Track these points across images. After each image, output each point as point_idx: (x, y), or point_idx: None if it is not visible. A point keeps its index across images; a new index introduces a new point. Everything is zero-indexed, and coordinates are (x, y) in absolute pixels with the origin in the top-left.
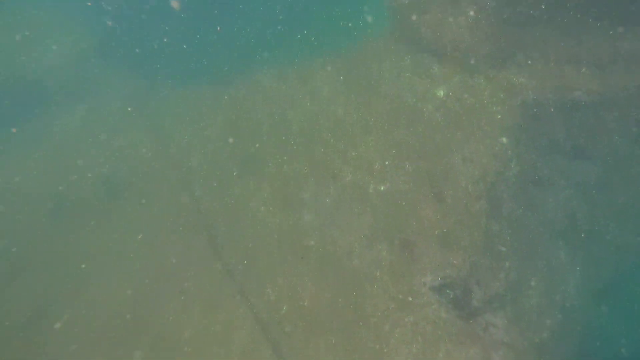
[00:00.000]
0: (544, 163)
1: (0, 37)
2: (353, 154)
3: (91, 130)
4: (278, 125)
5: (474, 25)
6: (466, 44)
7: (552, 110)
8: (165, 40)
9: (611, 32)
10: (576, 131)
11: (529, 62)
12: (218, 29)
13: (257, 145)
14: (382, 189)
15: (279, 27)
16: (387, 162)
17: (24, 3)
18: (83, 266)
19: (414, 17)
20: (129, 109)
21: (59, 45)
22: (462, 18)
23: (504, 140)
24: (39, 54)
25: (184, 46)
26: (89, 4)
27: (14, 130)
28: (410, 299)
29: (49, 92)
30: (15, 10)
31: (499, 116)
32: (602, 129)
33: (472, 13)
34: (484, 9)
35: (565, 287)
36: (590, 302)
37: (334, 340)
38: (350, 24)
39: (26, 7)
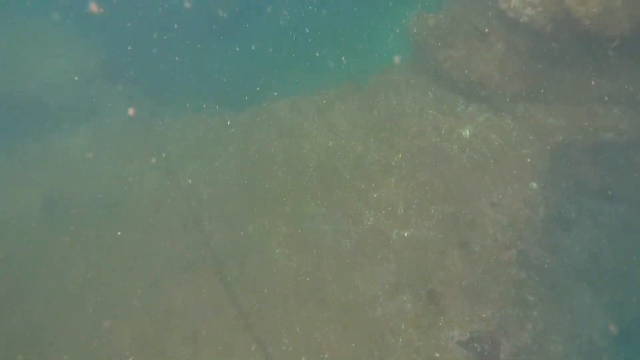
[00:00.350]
0: (570, 204)
1: (3, 53)
2: (374, 195)
3: (94, 154)
4: (294, 159)
5: (502, 62)
6: (494, 81)
7: (580, 150)
8: (173, 60)
9: None
10: (604, 171)
11: (559, 101)
12: (236, 49)
13: (271, 180)
14: (406, 234)
15: (294, 54)
16: (411, 206)
17: (29, 18)
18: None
19: (438, 51)
20: (134, 132)
21: (64, 62)
22: (490, 54)
23: (534, 185)
24: (43, 71)
25: (193, 68)
26: (88, 11)
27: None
28: (437, 354)
29: (52, 111)
30: (20, 25)
31: (529, 160)
32: (630, 169)
33: (501, 50)
34: (514, 46)
35: (590, 330)
36: (615, 345)
37: None
38: (369, 54)
39: (31, 23)
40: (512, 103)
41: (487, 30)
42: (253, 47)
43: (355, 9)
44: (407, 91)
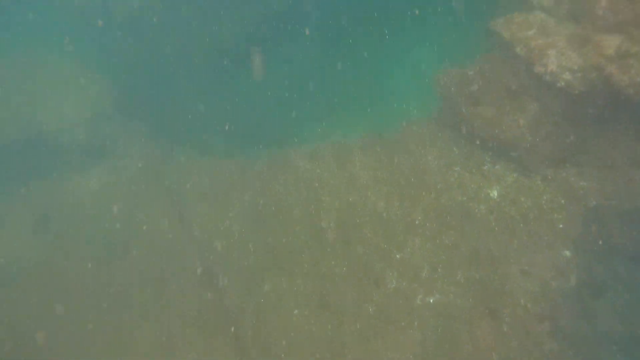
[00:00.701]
0: (604, 270)
1: (14, 87)
2: (397, 257)
3: (105, 197)
4: (312, 213)
5: (534, 124)
6: (526, 143)
7: (614, 215)
8: (189, 99)
9: None
10: (637, 235)
11: (592, 165)
12: (256, 91)
13: (289, 234)
14: (431, 300)
15: (314, 100)
16: (436, 270)
17: (42, 52)
18: None
19: (466, 108)
20: (146, 175)
21: (78, 99)
22: (522, 115)
23: (567, 254)
24: (55, 107)
25: (209, 108)
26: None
27: (22, 190)
28: None
29: (65, 151)
30: (33, 59)
31: (561, 225)
32: None
33: (533, 110)
34: (547, 107)
35: None
36: None
37: None
38: (393, 104)
39: (44, 57)
40: (542, 165)
41: (518, 90)
42: (270, 92)
43: (380, 58)
44: (431, 145)
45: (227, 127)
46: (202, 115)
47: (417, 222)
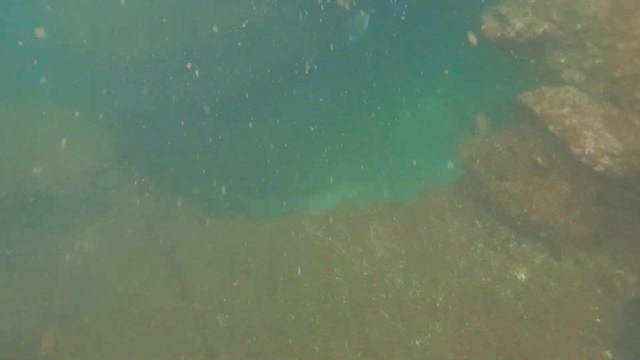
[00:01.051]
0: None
1: (9, 137)
2: (417, 342)
3: (100, 261)
4: (324, 287)
5: (566, 204)
6: (557, 224)
7: None
8: (191, 153)
9: None
10: None
11: (629, 252)
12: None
13: (298, 310)
14: None
15: (323, 152)
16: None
17: (41, 102)
18: None
19: (491, 182)
20: (144, 235)
21: (77, 151)
22: (552, 194)
23: (608, 355)
24: (52, 159)
25: (211, 163)
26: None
27: (10, 252)
28: None
29: (58, 205)
30: (32, 110)
31: (598, 320)
32: None
33: (565, 190)
34: (580, 188)
35: None
36: None
37: None
38: (411, 170)
39: (44, 107)
40: (574, 247)
41: (549, 167)
42: (277, 142)
43: (395, 113)
44: (452, 217)
45: (231, 182)
46: (206, 167)
47: (438, 305)
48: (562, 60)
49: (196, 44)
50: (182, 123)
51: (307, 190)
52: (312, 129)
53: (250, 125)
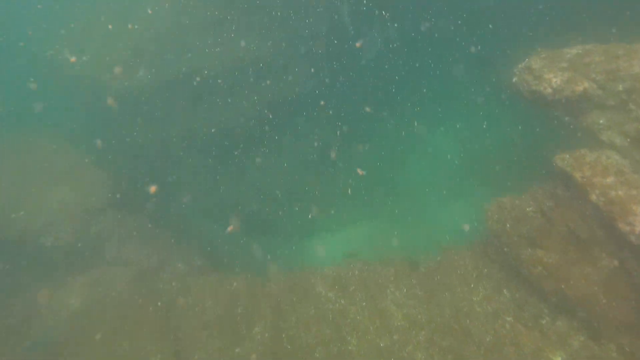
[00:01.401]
0: None
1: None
2: None
3: (87, 320)
4: (336, 358)
5: (609, 283)
6: (598, 304)
7: None
8: (191, 190)
9: None
10: None
11: None
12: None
13: None
14: None
15: (329, 194)
16: None
17: (30, 135)
18: None
19: (522, 249)
20: (137, 290)
21: (69, 192)
22: (593, 270)
23: None
24: (42, 201)
25: (211, 203)
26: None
27: None
28: None
29: (45, 253)
30: (24, 145)
31: None
32: None
33: (608, 267)
34: (628, 266)
35: None
36: None
37: None
38: (431, 226)
39: (37, 142)
40: (617, 331)
41: (589, 239)
42: (282, 181)
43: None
44: (477, 283)
45: (233, 223)
46: (206, 206)
47: None
48: (602, 121)
49: (198, 76)
50: (182, 158)
51: (313, 230)
52: (317, 169)
53: (256, 160)
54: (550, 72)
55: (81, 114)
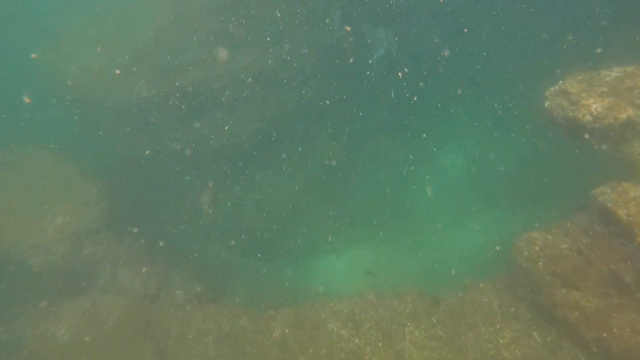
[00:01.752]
0: None
1: None
2: None
3: (77, 352)
4: None
5: None
6: None
7: None
8: (192, 208)
9: None
10: None
11: None
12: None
13: None
14: None
15: (337, 210)
16: None
17: (21, 151)
18: None
19: (555, 290)
20: (131, 322)
21: (59, 208)
22: (638, 316)
23: None
24: (32, 220)
25: (212, 222)
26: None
27: None
28: None
29: (33, 278)
30: (17, 163)
31: None
32: None
33: None
34: None
35: None
36: None
37: None
38: (450, 257)
39: (29, 161)
40: None
41: (634, 284)
42: (288, 197)
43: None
44: (503, 324)
45: (235, 244)
46: (208, 227)
47: None
48: None
49: (198, 88)
50: (186, 174)
51: (317, 251)
52: (323, 183)
53: (258, 177)
54: (589, 98)
55: (74, 126)
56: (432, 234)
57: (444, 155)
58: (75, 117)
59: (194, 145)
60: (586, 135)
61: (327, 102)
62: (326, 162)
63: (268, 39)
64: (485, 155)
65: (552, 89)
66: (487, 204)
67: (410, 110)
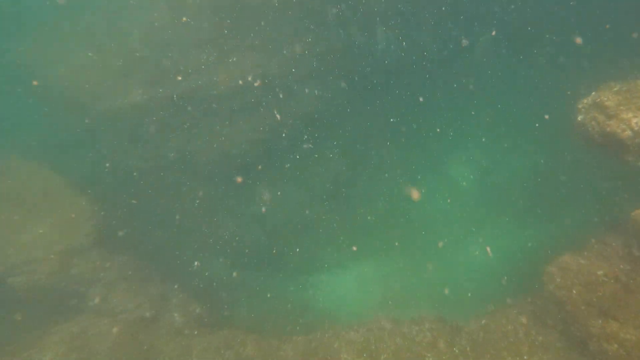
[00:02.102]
0: None
1: None
2: None
3: None
4: None
5: None
6: None
7: None
8: (189, 223)
9: None
10: None
11: None
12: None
13: None
14: None
15: (347, 231)
16: None
17: (16, 168)
18: None
19: (591, 320)
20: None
21: (48, 223)
22: None
23: None
24: (17, 235)
25: (211, 239)
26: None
27: None
28: None
29: (16, 299)
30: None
31: None
32: None
33: None
34: None
35: None
36: None
37: None
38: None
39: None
40: None
41: None
42: (290, 211)
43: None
44: (531, 354)
45: (237, 259)
46: (207, 241)
47: None
48: None
49: (197, 96)
50: (183, 187)
51: (322, 266)
52: (328, 195)
53: (259, 189)
54: (629, 111)
55: (61, 133)
56: (442, 249)
57: (453, 166)
58: (62, 124)
59: (188, 155)
60: (625, 153)
61: (332, 110)
62: (332, 173)
63: (270, 44)
64: (498, 166)
65: (585, 100)
66: (498, 215)
67: (418, 118)
